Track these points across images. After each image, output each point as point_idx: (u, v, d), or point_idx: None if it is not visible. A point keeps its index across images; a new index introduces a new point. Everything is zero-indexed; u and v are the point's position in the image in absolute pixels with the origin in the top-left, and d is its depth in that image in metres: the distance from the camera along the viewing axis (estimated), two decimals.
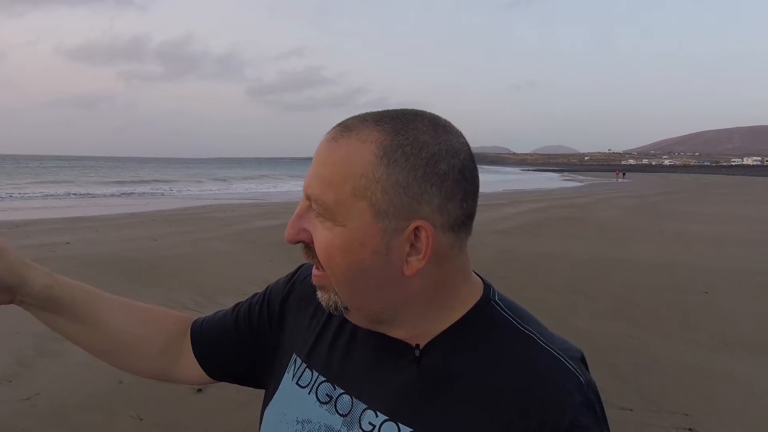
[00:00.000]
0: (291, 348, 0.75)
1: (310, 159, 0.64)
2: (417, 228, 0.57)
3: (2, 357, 3.87)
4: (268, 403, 0.75)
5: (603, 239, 10.76)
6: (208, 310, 1.04)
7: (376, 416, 0.63)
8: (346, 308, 0.63)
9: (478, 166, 0.62)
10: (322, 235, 0.60)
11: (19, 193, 23.28)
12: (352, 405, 0.65)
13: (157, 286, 5.97)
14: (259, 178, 48.43)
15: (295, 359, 0.74)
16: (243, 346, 0.80)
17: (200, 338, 0.82)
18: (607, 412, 0.61)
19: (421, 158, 0.57)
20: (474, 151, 0.62)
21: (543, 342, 0.62)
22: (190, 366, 0.82)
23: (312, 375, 0.70)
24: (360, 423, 0.63)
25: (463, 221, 0.60)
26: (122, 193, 25.09)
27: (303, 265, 0.79)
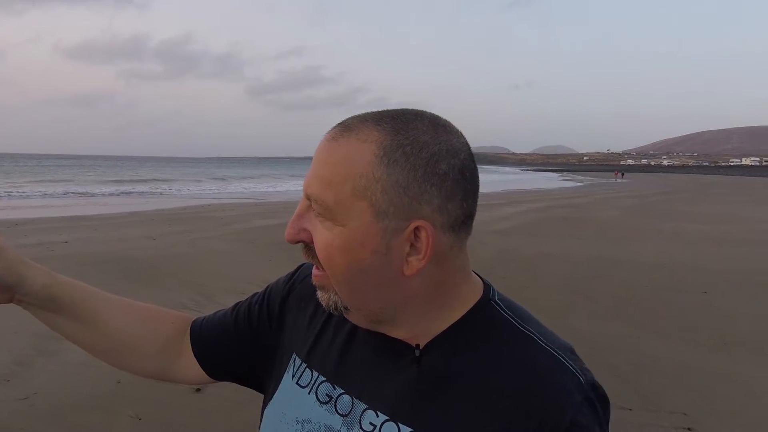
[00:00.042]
0: (291, 348, 0.75)
1: (309, 158, 0.63)
2: (417, 228, 0.57)
3: (0, 356, 3.86)
4: (267, 402, 0.75)
5: (602, 239, 10.77)
6: (207, 310, 1.04)
7: (377, 416, 0.63)
8: (346, 308, 0.63)
9: (477, 166, 0.62)
10: (322, 235, 0.60)
11: (18, 192, 23.27)
12: (352, 405, 0.65)
13: (156, 286, 5.97)
14: (258, 177, 48.43)
15: (295, 359, 0.74)
16: (243, 345, 0.80)
17: (200, 338, 0.82)
18: None
19: (421, 158, 0.57)
20: (473, 151, 0.62)
21: (543, 342, 0.62)
22: (189, 366, 0.82)
23: (312, 375, 0.70)
24: (360, 423, 0.63)
25: (463, 221, 0.60)
26: (121, 192, 25.08)
27: (303, 264, 0.79)
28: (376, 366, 0.66)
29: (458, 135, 0.61)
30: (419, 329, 0.63)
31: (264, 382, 0.78)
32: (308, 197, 0.61)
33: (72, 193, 24.08)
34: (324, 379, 0.69)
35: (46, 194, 22.78)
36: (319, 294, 0.66)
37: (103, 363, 0.85)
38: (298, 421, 0.68)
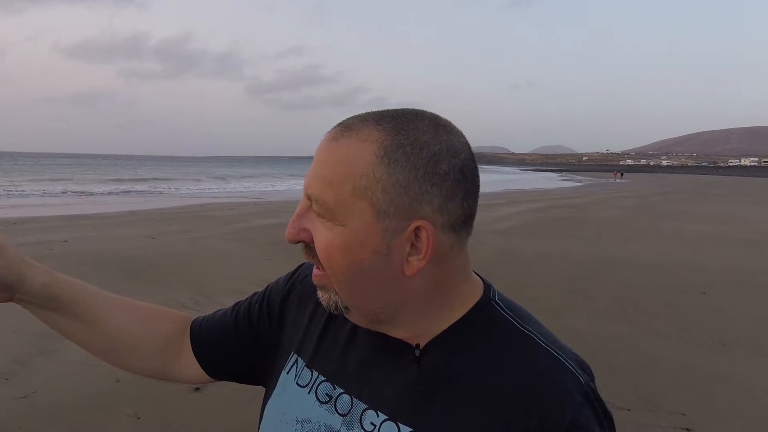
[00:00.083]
0: (291, 347, 0.75)
1: (308, 158, 0.63)
2: (417, 228, 0.57)
3: (0, 355, 3.86)
4: (267, 402, 0.75)
5: (601, 239, 10.78)
6: (206, 309, 1.04)
7: (377, 416, 0.63)
8: (346, 308, 0.63)
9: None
10: (323, 235, 0.60)
11: (17, 191, 23.24)
12: (351, 405, 0.65)
13: (156, 285, 5.97)
14: (257, 176, 48.40)
15: (295, 359, 0.74)
16: (242, 345, 0.80)
17: (200, 337, 0.82)
18: None
19: (421, 158, 0.57)
20: (472, 151, 0.62)
21: (543, 342, 0.62)
22: (189, 365, 0.82)
23: (312, 374, 0.70)
24: (360, 423, 0.63)
25: (463, 221, 0.60)
26: (120, 191, 25.06)
27: (303, 264, 0.79)
28: (376, 366, 0.66)
29: (459, 135, 0.61)
30: (419, 329, 0.63)
31: (264, 382, 0.78)
32: (309, 197, 0.61)
33: (71, 191, 24.05)
34: (324, 378, 0.69)
35: (45, 193, 22.76)
36: (319, 294, 0.66)
37: (102, 362, 0.85)
38: (297, 421, 0.68)
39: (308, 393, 0.69)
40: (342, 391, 0.67)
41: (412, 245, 0.58)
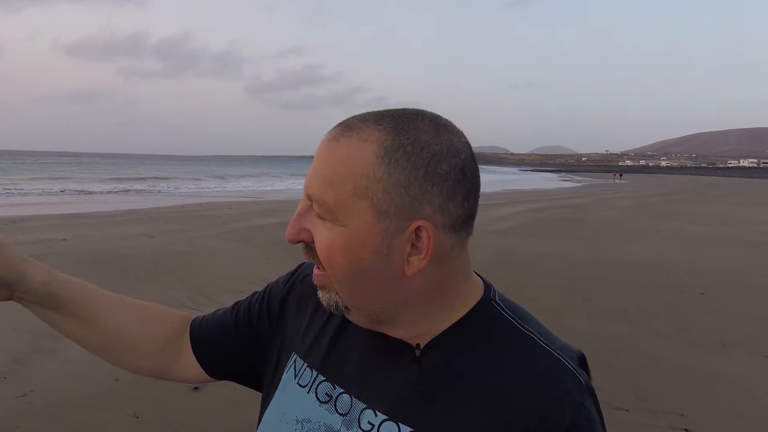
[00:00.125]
0: (291, 347, 0.75)
1: (308, 157, 0.63)
2: (418, 228, 0.57)
3: None
4: (267, 402, 0.75)
5: (600, 240, 10.79)
6: (206, 309, 1.03)
7: (376, 416, 0.63)
8: (346, 308, 0.63)
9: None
10: (323, 235, 0.60)
11: (16, 189, 23.21)
12: (351, 404, 0.65)
13: (155, 284, 5.96)
14: (257, 176, 48.35)
15: (295, 358, 0.73)
16: (242, 344, 0.80)
17: (199, 337, 0.82)
18: (604, 412, 0.62)
19: (422, 158, 0.57)
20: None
21: (543, 342, 0.62)
22: (189, 364, 0.82)
23: (312, 374, 0.70)
24: (359, 422, 0.63)
25: (464, 221, 0.60)
26: (119, 190, 25.03)
27: (303, 263, 0.79)
28: (377, 366, 0.66)
29: (459, 135, 0.61)
30: (420, 329, 0.63)
31: (263, 382, 0.78)
32: (309, 197, 0.61)
33: (70, 190, 24.03)
34: (324, 378, 0.69)
35: (44, 191, 22.73)
36: (319, 294, 0.66)
37: (101, 361, 0.85)
38: (297, 421, 0.68)
39: (308, 393, 0.69)
40: (342, 390, 0.67)
41: (413, 245, 0.58)
